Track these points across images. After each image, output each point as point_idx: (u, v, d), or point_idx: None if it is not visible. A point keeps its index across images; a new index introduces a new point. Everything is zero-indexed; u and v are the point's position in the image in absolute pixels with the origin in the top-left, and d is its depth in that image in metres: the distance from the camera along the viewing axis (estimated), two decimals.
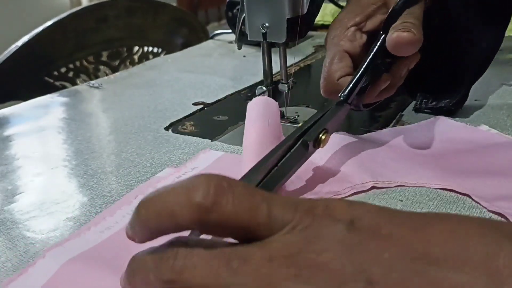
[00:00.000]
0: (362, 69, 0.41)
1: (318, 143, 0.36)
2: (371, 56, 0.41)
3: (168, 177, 0.42)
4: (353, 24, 0.45)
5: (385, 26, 0.41)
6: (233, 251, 0.20)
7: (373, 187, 0.38)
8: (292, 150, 0.34)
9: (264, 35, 0.50)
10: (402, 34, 0.38)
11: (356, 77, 0.41)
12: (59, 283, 0.30)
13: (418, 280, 0.19)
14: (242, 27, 0.53)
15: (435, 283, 0.19)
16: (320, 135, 0.36)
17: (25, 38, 1.00)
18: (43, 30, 1.02)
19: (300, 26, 0.50)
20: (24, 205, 0.40)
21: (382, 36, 0.41)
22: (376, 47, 0.42)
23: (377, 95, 0.43)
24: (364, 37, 0.45)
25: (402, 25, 0.39)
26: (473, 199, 0.36)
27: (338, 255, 0.19)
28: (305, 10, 0.49)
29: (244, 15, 0.52)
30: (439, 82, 0.51)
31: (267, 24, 0.50)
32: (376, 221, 0.21)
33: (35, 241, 0.35)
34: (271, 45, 0.52)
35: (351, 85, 0.41)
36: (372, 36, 0.44)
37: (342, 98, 0.40)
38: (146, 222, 0.22)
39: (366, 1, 0.45)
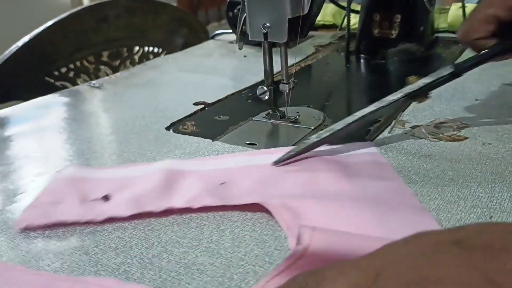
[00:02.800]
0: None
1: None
2: None
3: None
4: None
5: None
6: None
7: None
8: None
9: (265, 35, 0.51)
10: None
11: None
12: None
13: None
14: (243, 27, 0.53)
15: None
16: None
17: (25, 38, 1.00)
18: (43, 30, 1.02)
19: (301, 26, 0.50)
20: (26, 205, 0.40)
21: None
22: None
23: None
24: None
25: None
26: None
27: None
28: (306, 10, 0.50)
29: (245, 15, 0.52)
30: None
31: (268, 24, 0.50)
32: (484, 239, 0.21)
33: (37, 240, 0.35)
34: (272, 45, 0.52)
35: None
36: None
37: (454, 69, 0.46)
38: None
39: None
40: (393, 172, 0.41)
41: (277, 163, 0.43)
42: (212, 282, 0.30)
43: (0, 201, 0.41)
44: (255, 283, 0.30)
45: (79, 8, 1.12)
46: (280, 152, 0.44)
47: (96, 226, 0.36)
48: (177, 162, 0.44)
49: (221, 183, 0.40)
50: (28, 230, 0.36)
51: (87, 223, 0.36)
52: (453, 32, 0.86)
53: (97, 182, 0.42)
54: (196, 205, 0.37)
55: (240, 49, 0.56)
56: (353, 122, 0.45)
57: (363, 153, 0.45)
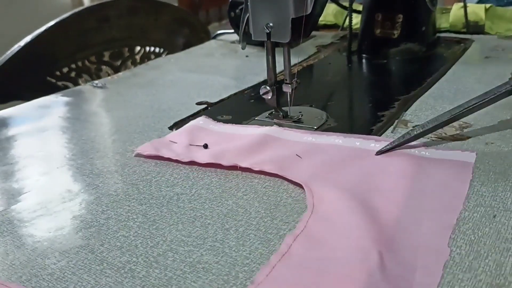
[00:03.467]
0: None
1: None
2: None
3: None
4: None
5: None
6: None
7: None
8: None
9: (268, 35, 0.51)
10: None
11: None
12: None
13: None
14: (246, 27, 0.53)
15: None
16: None
17: (27, 38, 1.00)
18: (45, 30, 1.02)
19: (304, 26, 0.50)
20: (30, 204, 0.40)
21: None
22: None
23: None
24: None
25: None
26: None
27: None
28: (309, 10, 0.50)
29: (248, 15, 0.52)
30: None
31: (271, 24, 0.50)
32: None
33: (42, 239, 0.35)
34: (275, 45, 0.53)
35: None
36: None
37: None
38: None
39: None
40: (462, 192, 0.37)
41: (379, 153, 0.44)
42: (218, 281, 0.30)
43: (5, 200, 0.42)
44: None
45: (80, 8, 1.13)
46: (375, 139, 0.46)
47: (101, 225, 0.37)
48: (280, 130, 0.50)
49: (297, 155, 0.44)
50: (140, 156, 0.48)
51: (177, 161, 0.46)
52: (455, 32, 0.86)
53: (208, 132, 0.51)
54: (257, 168, 0.43)
55: (243, 48, 0.56)
56: (459, 113, 0.46)
57: (453, 160, 0.42)
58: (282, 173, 0.41)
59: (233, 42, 0.95)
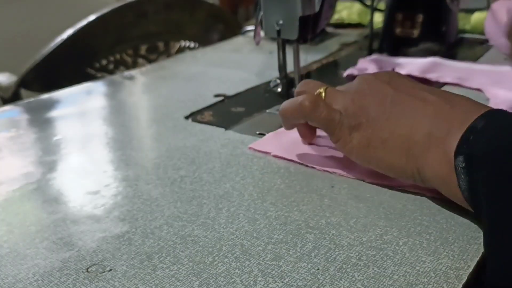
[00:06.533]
0: None
1: None
2: None
3: None
4: None
5: None
6: None
7: None
8: None
9: (278, 32, 0.54)
10: None
11: None
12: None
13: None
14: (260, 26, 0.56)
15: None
16: None
17: (69, 31, 1.07)
18: (86, 24, 1.08)
19: (312, 24, 0.53)
20: (58, 177, 0.45)
21: None
22: None
23: None
24: None
25: None
26: None
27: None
28: (317, 9, 0.52)
29: (261, 13, 0.55)
30: None
31: (281, 22, 0.53)
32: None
33: (59, 209, 0.40)
34: (286, 41, 0.55)
35: None
36: None
37: None
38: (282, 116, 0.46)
39: None
40: None
41: None
42: (203, 251, 0.33)
43: (41, 172, 0.47)
44: (240, 254, 0.33)
45: (119, 3, 1.18)
46: None
47: (109, 200, 0.41)
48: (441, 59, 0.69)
49: None
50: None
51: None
52: (482, 34, 0.86)
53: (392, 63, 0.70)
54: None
55: (257, 44, 0.59)
56: None
57: None
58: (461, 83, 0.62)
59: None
